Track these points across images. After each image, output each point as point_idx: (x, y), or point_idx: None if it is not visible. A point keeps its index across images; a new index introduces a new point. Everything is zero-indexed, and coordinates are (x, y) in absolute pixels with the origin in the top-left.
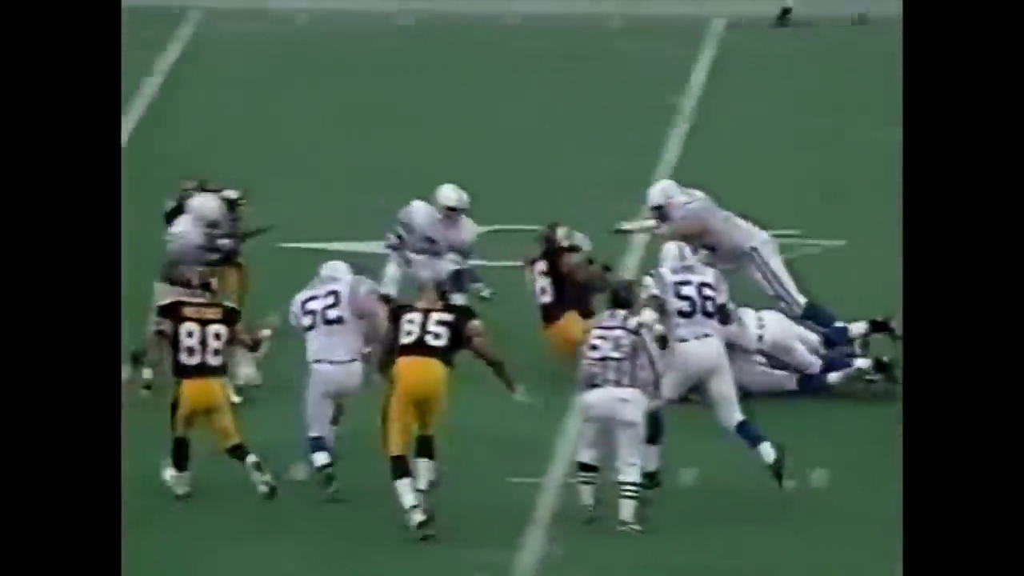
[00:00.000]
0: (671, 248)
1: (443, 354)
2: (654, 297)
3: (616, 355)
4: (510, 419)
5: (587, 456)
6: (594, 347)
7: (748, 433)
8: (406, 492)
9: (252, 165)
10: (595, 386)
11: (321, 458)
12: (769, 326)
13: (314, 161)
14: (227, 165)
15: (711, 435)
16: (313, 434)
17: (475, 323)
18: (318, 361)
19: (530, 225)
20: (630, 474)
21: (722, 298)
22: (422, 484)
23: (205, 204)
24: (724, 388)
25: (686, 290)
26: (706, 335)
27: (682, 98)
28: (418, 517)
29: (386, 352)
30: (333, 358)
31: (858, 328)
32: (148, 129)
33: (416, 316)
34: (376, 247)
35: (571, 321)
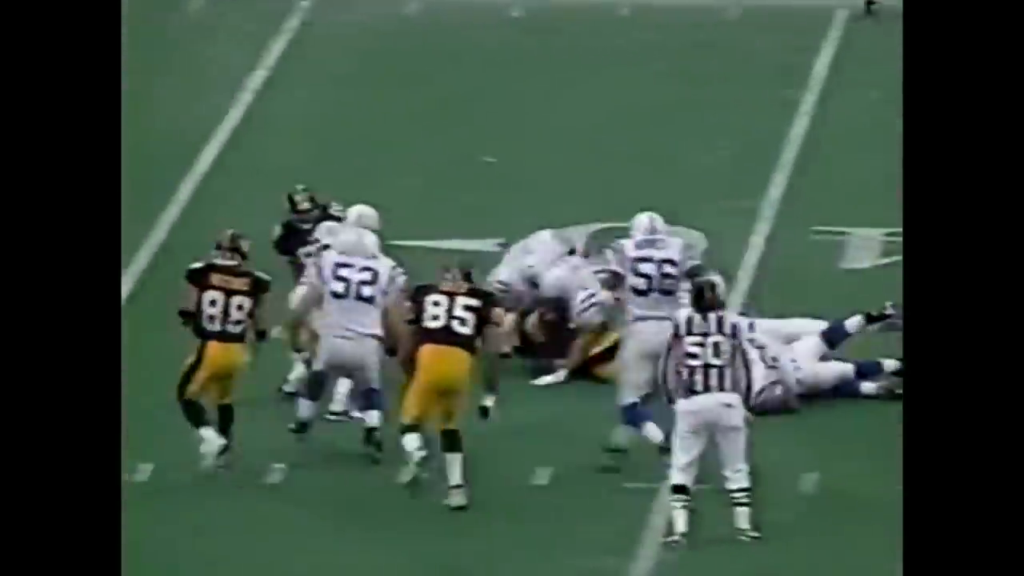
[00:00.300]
0: (642, 219)
1: (469, 342)
2: (613, 273)
3: (718, 361)
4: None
5: (682, 478)
6: (693, 355)
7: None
8: (412, 442)
9: (358, 160)
10: (694, 392)
11: (306, 411)
12: (797, 353)
13: (422, 156)
14: (332, 161)
15: (832, 440)
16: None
17: (499, 310)
18: (334, 336)
19: None
20: (740, 480)
21: (692, 262)
22: (457, 478)
23: (371, 215)
24: None
25: (645, 267)
26: (663, 317)
27: (802, 92)
28: (410, 472)
29: (409, 340)
30: (351, 332)
31: (855, 323)
32: (252, 125)
33: (442, 299)
34: (486, 244)
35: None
